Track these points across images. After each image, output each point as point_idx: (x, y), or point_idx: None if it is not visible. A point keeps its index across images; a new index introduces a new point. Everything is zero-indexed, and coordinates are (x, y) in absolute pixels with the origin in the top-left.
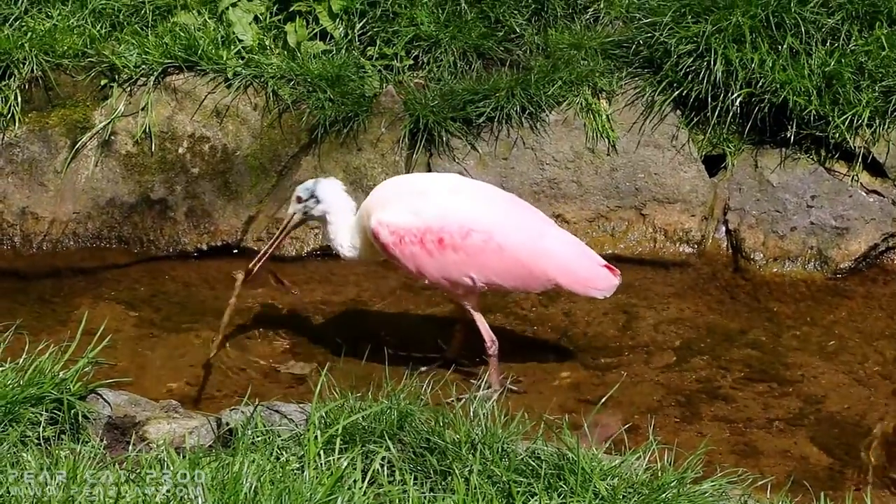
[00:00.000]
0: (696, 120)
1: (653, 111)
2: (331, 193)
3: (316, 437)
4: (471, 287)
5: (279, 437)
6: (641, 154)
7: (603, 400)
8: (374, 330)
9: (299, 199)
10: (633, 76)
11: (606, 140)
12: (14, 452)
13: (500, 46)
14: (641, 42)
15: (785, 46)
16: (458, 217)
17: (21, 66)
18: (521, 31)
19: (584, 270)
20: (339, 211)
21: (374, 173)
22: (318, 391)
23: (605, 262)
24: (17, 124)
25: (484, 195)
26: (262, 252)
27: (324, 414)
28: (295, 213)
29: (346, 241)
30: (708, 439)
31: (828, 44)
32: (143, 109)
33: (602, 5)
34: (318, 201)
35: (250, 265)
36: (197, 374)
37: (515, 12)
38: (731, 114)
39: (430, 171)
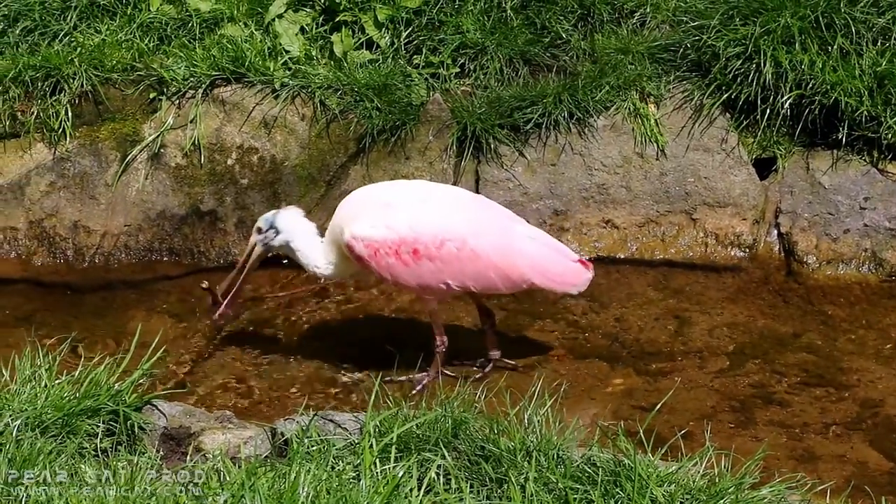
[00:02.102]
0: (745, 123)
1: (702, 115)
2: (289, 222)
3: (371, 445)
4: (445, 292)
5: (334, 446)
6: (691, 158)
7: (658, 406)
8: (426, 338)
9: (259, 230)
10: (681, 80)
11: (655, 144)
12: (72, 464)
13: (546, 52)
14: (689, 45)
15: (835, 47)
16: (430, 227)
17: (71, 81)
18: (567, 36)
19: (558, 268)
20: (300, 236)
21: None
22: (373, 400)
23: (577, 257)
24: (68, 139)
25: (452, 200)
26: (228, 281)
27: (378, 423)
28: (256, 244)
29: (320, 261)
30: (765, 445)
31: (879, 44)
32: (191, 122)
33: (648, 9)
34: (277, 232)
35: (218, 293)
36: (250, 384)
37: (561, 18)
38: (781, 116)
39: (478, 178)
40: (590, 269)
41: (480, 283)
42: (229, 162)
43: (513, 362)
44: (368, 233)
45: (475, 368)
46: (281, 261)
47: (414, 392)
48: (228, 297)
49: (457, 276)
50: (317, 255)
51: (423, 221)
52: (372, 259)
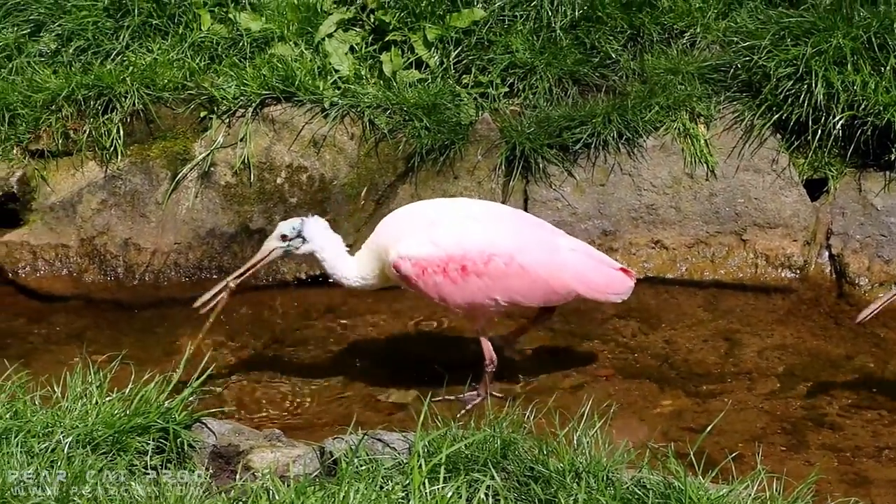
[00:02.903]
0: (796, 143)
1: (752, 135)
2: (317, 233)
3: (420, 465)
4: (494, 309)
5: (383, 465)
6: (741, 179)
7: (708, 428)
8: (473, 358)
9: (284, 237)
10: (731, 100)
11: (705, 165)
12: (123, 481)
13: (595, 72)
14: (739, 66)
15: (888, 68)
16: (477, 243)
17: (123, 99)
18: (616, 56)
19: (602, 277)
20: (329, 248)
21: None
22: (422, 420)
23: (619, 266)
24: (119, 157)
25: (495, 216)
26: (221, 284)
27: (427, 443)
28: (275, 249)
29: (350, 273)
30: (817, 468)
31: None
32: (241, 140)
33: (699, 30)
34: (304, 241)
35: (209, 295)
36: (298, 403)
37: (611, 38)
38: (832, 137)
39: (527, 198)
40: (632, 278)
41: (528, 297)
42: (279, 181)
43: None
44: (415, 251)
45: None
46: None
47: (463, 412)
48: (214, 299)
49: (505, 291)
50: (348, 267)
51: (468, 238)
52: (420, 278)
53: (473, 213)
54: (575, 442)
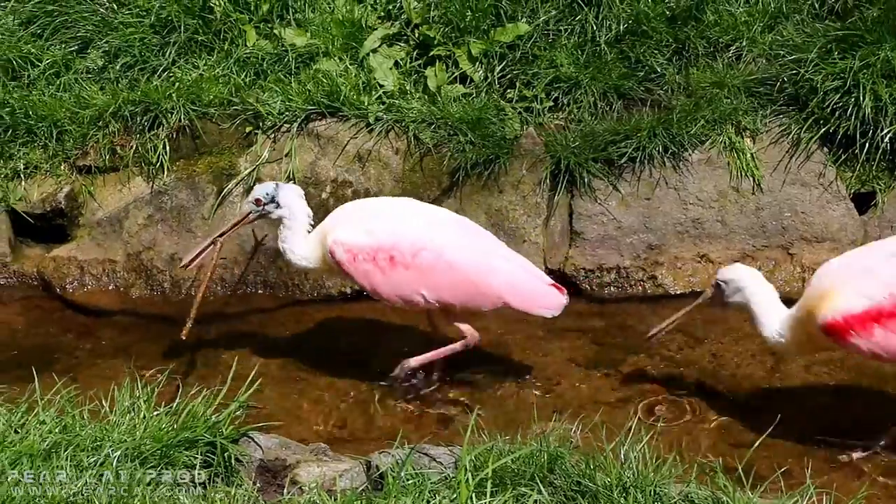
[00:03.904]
0: (843, 157)
1: (799, 149)
2: (292, 199)
3: (467, 480)
4: (423, 305)
5: (429, 480)
6: (788, 192)
7: (757, 443)
8: (518, 371)
9: (258, 202)
10: (777, 114)
11: (751, 179)
12: (171, 495)
13: (640, 86)
14: (786, 79)
15: None
16: (409, 236)
17: (169, 115)
18: (661, 70)
19: (532, 289)
20: (296, 217)
21: (516, 215)
22: (469, 434)
23: (552, 282)
24: (165, 173)
25: (436, 217)
26: (207, 241)
27: (473, 457)
28: (251, 213)
29: (298, 249)
30: (866, 484)
31: None
32: (286, 155)
33: (744, 43)
34: (278, 206)
35: (194, 253)
36: (343, 417)
37: (656, 52)
38: (880, 150)
39: (572, 212)
40: (564, 295)
41: (454, 296)
42: (324, 195)
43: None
44: (349, 238)
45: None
46: None
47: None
48: (199, 256)
49: (431, 287)
50: (299, 242)
51: (401, 230)
52: (351, 265)
53: (414, 210)
54: (622, 456)
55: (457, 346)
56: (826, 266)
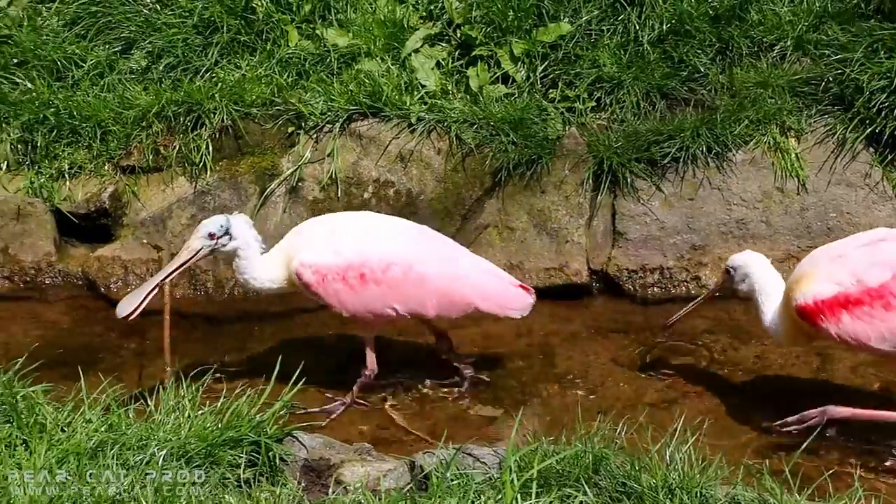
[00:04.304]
0: (890, 157)
1: (844, 149)
2: (244, 230)
3: (512, 480)
4: (395, 318)
5: (473, 480)
6: (833, 193)
7: (804, 444)
8: (562, 372)
9: (211, 236)
10: (822, 114)
11: (796, 179)
12: (216, 494)
13: (683, 86)
14: (831, 79)
15: None
16: (377, 252)
17: (212, 115)
18: (705, 70)
19: (500, 293)
20: (250, 246)
21: (558, 215)
22: (514, 435)
23: (519, 283)
24: (208, 172)
25: (397, 229)
26: (150, 286)
27: (518, 458)
28: (202, 248)
29: (259, 274)
30: None
31: None
32: (329, 155)
33: (789, 43)
34: (231, 238)
35: (137, 300)
36: (387, 417)
37: (699, 51)
38: None
39: (614, 212)
40: (531, 295)
41: (426, 307)
42: (366, 195)
43: (486, 378)
44: (316, 259)
45: (454, 388)
46: None
47: (328, 420)
48: (142, 303)
49: (403, 300)
50: (260, 268)
51: (368, 247)
52: (320, 286)
53: (377, 225)
54: (667, 458)
55: (365, 376)
56: (811, 253)
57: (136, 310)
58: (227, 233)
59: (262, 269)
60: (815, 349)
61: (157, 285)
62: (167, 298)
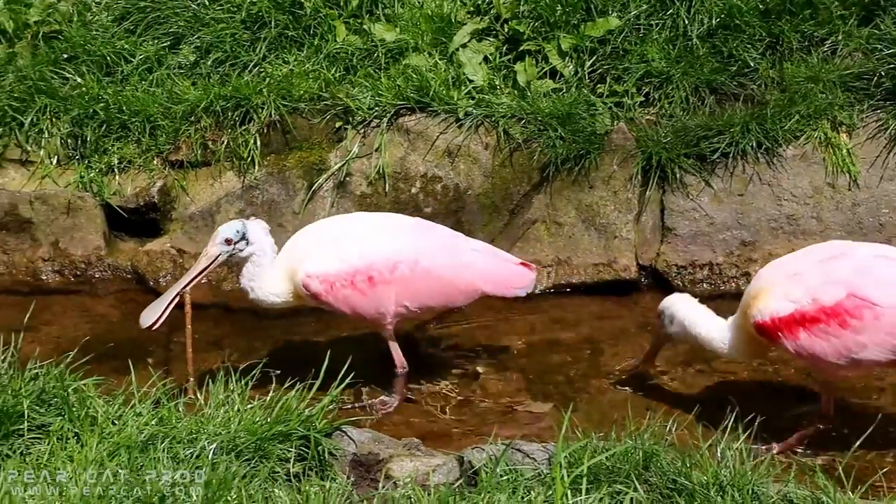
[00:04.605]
0: None
1: None
2: (260, 236)
3: (563, 476)
4: (405, 315)
5: (522, 476)
6: (885, 188)
7: (857, 443)
8: (610, 368)
9: (228, 241)
10: (874, 108)
11: (847, 175)
12: (265, 488)
13: (733, 81)
14: (883, 73)
15: None
16: (381, 253)
17: (260, 110)
18: (755, 65)
19: (505, 273)
20: (265, 253)
21: (607, 211)
22: (564, 431)
23: (520, 261)
24: (256, 167)
25: (395, 226)
26: (172, 294)
27: (567, 453)
28: (220, 255)
29: (266, 285)
30: None
31: None
32: (376, 150)
33: (840, 37)
34: (248, 243)
35: (160, 309)
36: (434, 412)
37: (749, 46)
38: None
39: (663, 208)
40: (533, 270)
41: (436, 300)
42: (413, 190)
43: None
44: (322, 268)
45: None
46: None
47: (377, 416)
48: (165, 312)
49: (413, 296)
50: (267, 279)
51: (373, 249)
52: (329, 294)
53: (374, 225)
54: (718, 454)
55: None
56: (766, 266)
57: (158, 319)
58: (243, 238)
59: (269, 281)
60: None
61: (179, 293)
62: (188, 307)
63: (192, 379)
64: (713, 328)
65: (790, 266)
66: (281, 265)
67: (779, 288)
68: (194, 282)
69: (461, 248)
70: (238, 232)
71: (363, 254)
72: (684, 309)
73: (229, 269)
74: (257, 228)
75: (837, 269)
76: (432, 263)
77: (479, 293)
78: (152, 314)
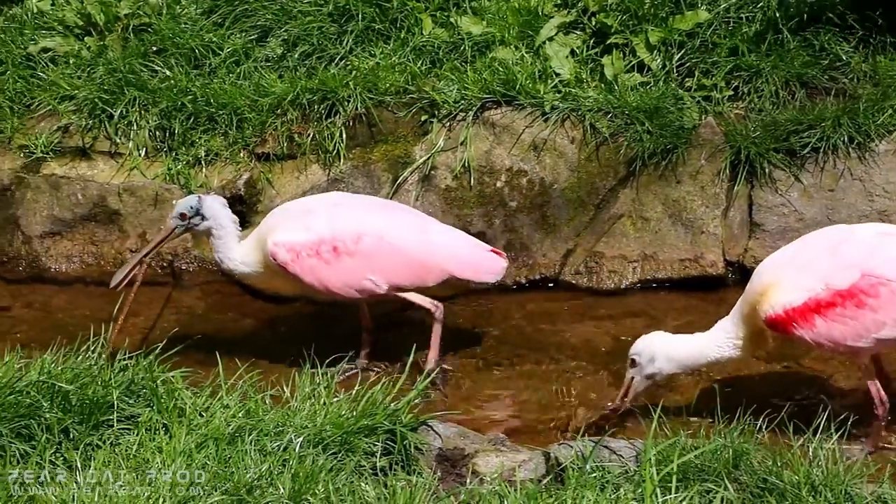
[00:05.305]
0: None
1: None
2: (217, 209)
3: (652, 474)
4: (374, 292)
5: (609, 473)
6: None
7: None
8: None
9: (183, 216)
10: None
11: None
12: (351, 482)
13: (824, 75)
14: None
15: None
16: (347, 224)
17: (346, 103)
18: (847, 58)
19: (473, 257)
20: (223, 226)
21: (694, 206)
22: (653, 428)
23: (490, 248)
24: (342, 160)
25: (365, 203)
26: (134, 261)
27: (656, 451)
28: (176, 228)
29: (234, 255)
30: None
31: None
32: (461, 144)
33: None
34: (203, 218)
35: (122, 274)
36: (519, 408)
37: (841, 40)
38: None
39: (751, 203)
40: (504, 259)
41: (403, 276)
42: (498, 184)
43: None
44: (288, 237)
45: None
46: None
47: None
48: (129, 275)
49: (379, 271)
50: (234, 249)
51: (339, 221)
52: (295, 262)
53: (344, 201)
54: (810, 454)
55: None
56: (764, 263)
57: (121, 282)
58: (198, 213)
59: (237, 251)
60: None
61: (139, 261)
62: (139, 277)
63: (112, 332)
64: (711, 342)
65: (795, 258)
66: (254, 236)
67: (788, 280)
68: (152, 251)
69: (429, 229)
70: (192, 208)
71: (329, 225)
72: (662, 342)
73: None
74: (213, 203)
75: (847, 252)
76: (397, 239)
77: (447, 274)
78: (117, 277)
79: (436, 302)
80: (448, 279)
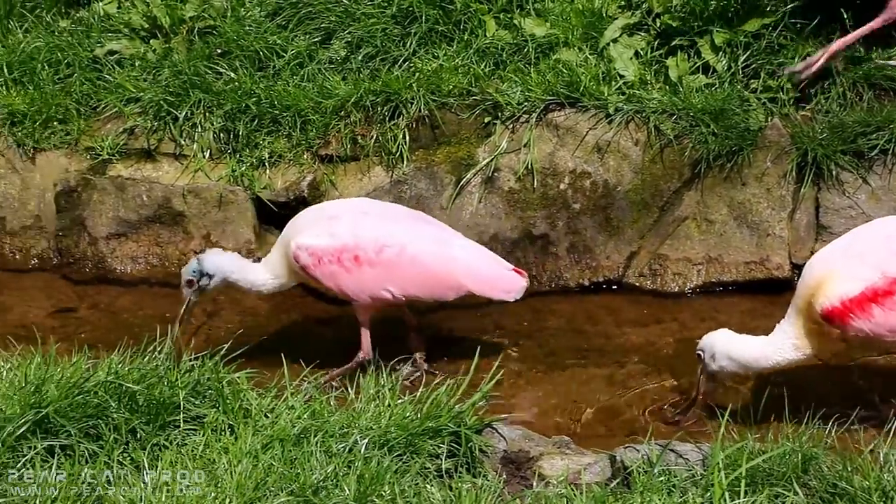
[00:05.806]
0: None
1: None
2: (218, 263)
3: (720, 479)
4: (390, 301)
5: (675, 477)
6: None
7: None
8: None
9: (191, 283)
10: None
11: None
12: (416, 484)
13: (893, 76)
14: None
15: None
16: (371, 234)
17: (409, 105)
18: None
19: (492, 274)
20: (234, 268)
21: (760, 208)
22: (721, 432)
23: (512, 266)
24: (405, 162)
25: (392, 213)
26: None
27: (723, 455)
28: (190, 298)
29: (261, 277)
30: None
31: None
32: (525, 146)
33: None
34: (210, 276)
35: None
36: (580, 410)
37: None
38: None
39: (818, 205)
40: (524, 278)
41: (420, 289)
42: (562, 186)
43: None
44: (312, 242)
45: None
46: None
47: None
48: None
49: (398, 282)
50: (257, 274)
51: (362, 229)
52: (316, 268)
53: (370, 209)
54: (881, 458)
55: (359, 358)
56: (815, 257)
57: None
58: (203, 274)
59: (262, 274)
60: None
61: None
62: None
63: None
64: (773, 344)
65: (848, 249)
66: (280, 242)
67: (843, 271)
68: (182, 324)
69: (452, 244)
70: (195, 272)
71: (353, 233)
72: (723, 340)
73: None
74: (212, 259)
75: None
76: (419, 251)
77: (464, 290)
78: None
79: (369, 353)
80: (465, 295)
